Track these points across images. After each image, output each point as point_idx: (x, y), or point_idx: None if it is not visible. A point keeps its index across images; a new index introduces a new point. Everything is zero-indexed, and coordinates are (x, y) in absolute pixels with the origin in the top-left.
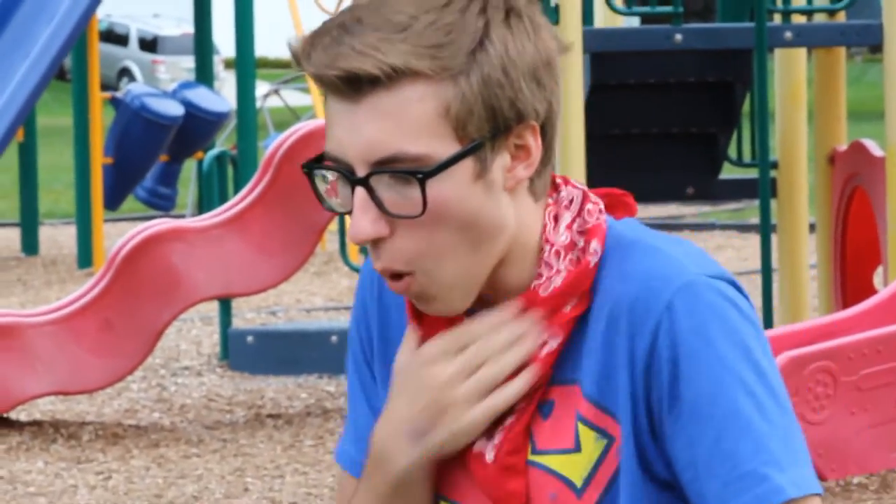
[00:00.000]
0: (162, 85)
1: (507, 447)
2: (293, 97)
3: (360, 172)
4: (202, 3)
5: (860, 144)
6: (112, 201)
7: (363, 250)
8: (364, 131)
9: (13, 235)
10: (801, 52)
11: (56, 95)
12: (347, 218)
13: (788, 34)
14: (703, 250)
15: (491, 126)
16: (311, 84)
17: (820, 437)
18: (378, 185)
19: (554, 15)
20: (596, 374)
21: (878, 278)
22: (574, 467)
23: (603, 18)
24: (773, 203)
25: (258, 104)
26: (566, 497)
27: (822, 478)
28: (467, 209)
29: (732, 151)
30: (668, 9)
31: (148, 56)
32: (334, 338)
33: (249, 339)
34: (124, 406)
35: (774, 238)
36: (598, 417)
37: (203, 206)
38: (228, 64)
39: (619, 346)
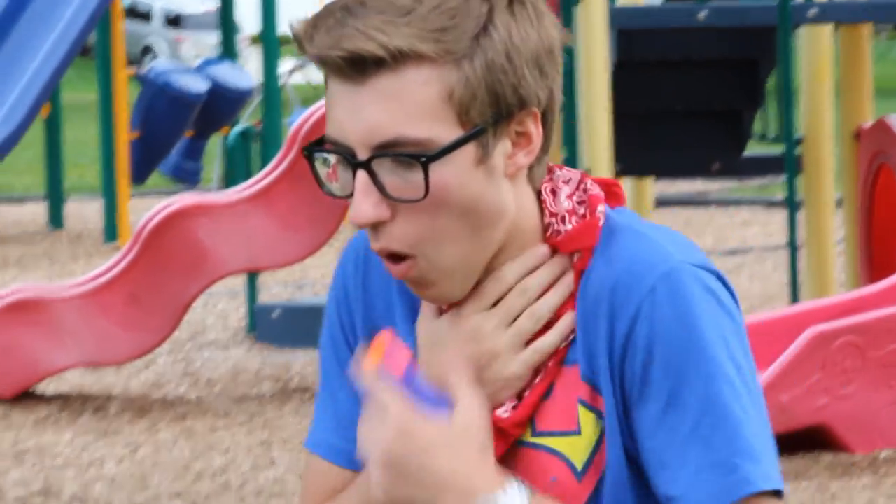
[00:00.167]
0: (186, 61)
1: (515, 419)
2: (317, 74)
3: (362, 156)
4: None
5: (885, 121)
6: (138, 176)
7: None
8: (367, 114)
9: (39, 210)
10: (827, 29)
11: (81, 72)
12: None
13: (813, 11)
14: (691, 241)
15: (493, 111)
16: None
17: (847, 412)
18: (380, 168)
19: None
20: (587, 355)
21: None
22: (575, 450)
23: None
24: (799, 179)
25: (282, 80)
26: (567, 480)
27: (849, 451)
28: (468, 194)
29: (758, 128)
30: None
31: (172, 32)
32: None
33: (276, 313)
34: (151, 379)
35: (801, 214)
36: (593, 398)
37: (228, 181)
38: (252, 40)
39: (601, 328)
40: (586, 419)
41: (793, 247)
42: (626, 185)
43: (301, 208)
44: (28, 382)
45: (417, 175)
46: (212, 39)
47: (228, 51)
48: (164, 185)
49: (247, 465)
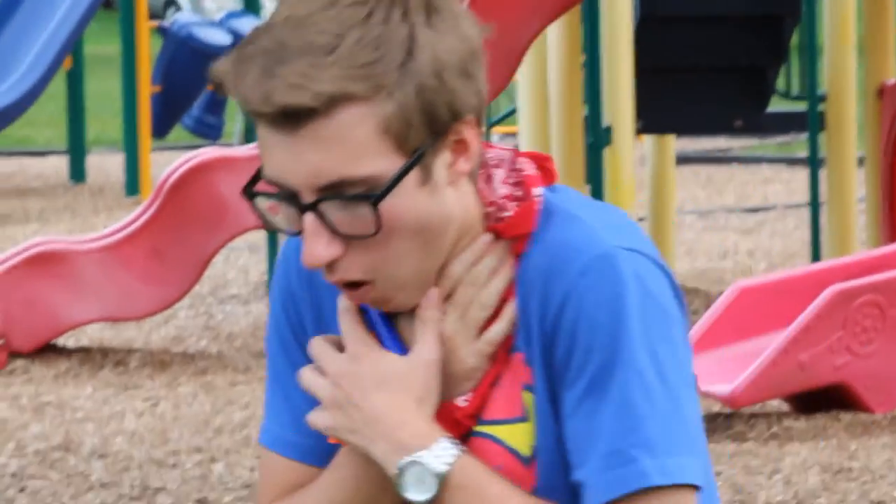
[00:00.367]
0: (208, 14)
1: (468, 410)
2: None
3: (307, 198)
4: None
5: None
6: (159, 129)
7: None
8: (306, 160)
9: (61, 163)
10: None
11: (103, 25)
12: None
13: None
14: (632, 222)
15: (430, 132)
16: None
17: (867, 371)
18: (327, 208)
19: None
20: (527, 341)
21: None
22: (521, 437)
23: None
24: (822, 136)
25: None
26: (513, 467)
27: (869, 411)
28: (417, 216)
29: (781, 84)
30: None
31: None
32: None
33: None
34: (172, 334)
35: (823, 171)
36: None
37: (249, 135)
38: None
39: (534, 313)
40: (532, 404)
41: (814, 204)
42: (648, 141)
43: None
44: (48, 336)
45: (365, 211)
46: None
47: (251, 4)
48: (185, 140)
49: None
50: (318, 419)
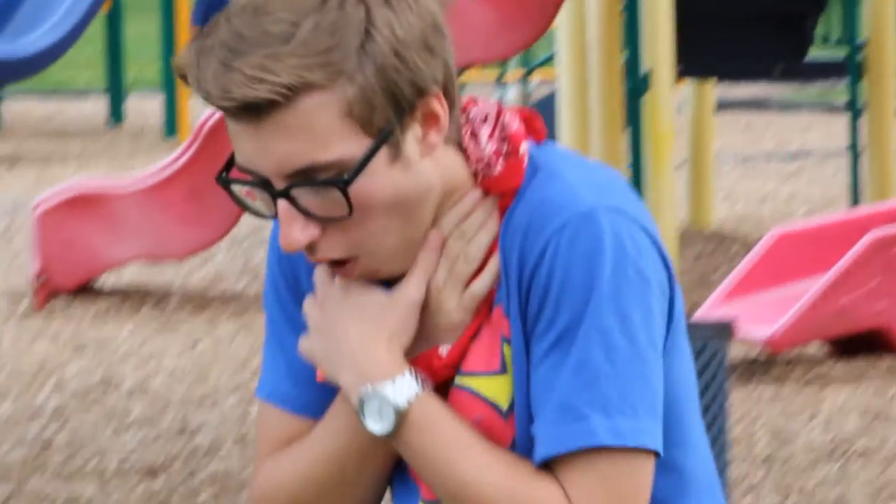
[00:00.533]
0: None
1: (446, 360)
2: None
3: (278, 185)
4: None
5: None
6: None
7: None
8: (272, 149)
9: (100, 105)
10: None
11: None
12: None
13: None
14: (621, 182)
15: (395, 111)
16: None
17: None
18: (299, 193)
19: None
20: (507, 294)
21: None
22: (500, 389)
23: None
24: (861, 83)
25: None
26: (492, 420)
27: None
28: (391, 193)
29: (821, 31)
30: None
31: None
32: None
33: None
34: (211, 274)
35: (862, 118)
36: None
37: None
38: None
39: (513, 267)
40: (510, 357)
41: (854, 151)
42: (687, 87)
43: None
44: (88, 275)
45: (337, 195)
46: None
47: None
48: None
49: None
50: (302, 343)
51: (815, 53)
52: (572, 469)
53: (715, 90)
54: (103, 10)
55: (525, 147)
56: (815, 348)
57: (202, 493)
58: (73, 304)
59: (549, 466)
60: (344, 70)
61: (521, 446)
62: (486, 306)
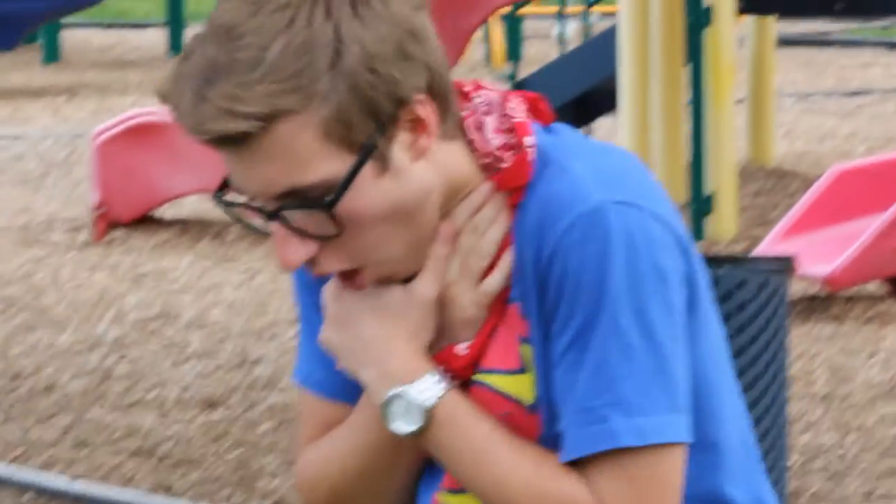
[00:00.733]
0: None
1: (465, 360)
2: None
3: (268, 206)
4: None
5: None
6: None
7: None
8: (256, 174)
9: (160, 36)
10: None
11: None
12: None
13: None
14: (636, 168)
15: (376, 124)
16: None
17: None
18: (290, 213)
19: None
20: (523, 292)
21: None
22: (522, 387)
23: None
24: None
25: None
26: (519, 414)
27: None
28: (383, 204)
29: None
30: None
31: None
32: None
33: None
34: None
35: None
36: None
37: None
38: None
39: (529, 264)
40: (529, 357)
41: None
42: (748, 22)
43: None
44: (147, 207)
45: (326, 215)
46: None
47: None
48: None
49: None
50: (322, 334)
51: None
52: (598, 470)
53: (776, 26)
54: None
55: (531, 140)
56: (874, 286)
57: (261, 425)
58: (133, 236)
59: (575, 466)
60: (316, 92)
61: (548, 441)
62: (499, 303)
